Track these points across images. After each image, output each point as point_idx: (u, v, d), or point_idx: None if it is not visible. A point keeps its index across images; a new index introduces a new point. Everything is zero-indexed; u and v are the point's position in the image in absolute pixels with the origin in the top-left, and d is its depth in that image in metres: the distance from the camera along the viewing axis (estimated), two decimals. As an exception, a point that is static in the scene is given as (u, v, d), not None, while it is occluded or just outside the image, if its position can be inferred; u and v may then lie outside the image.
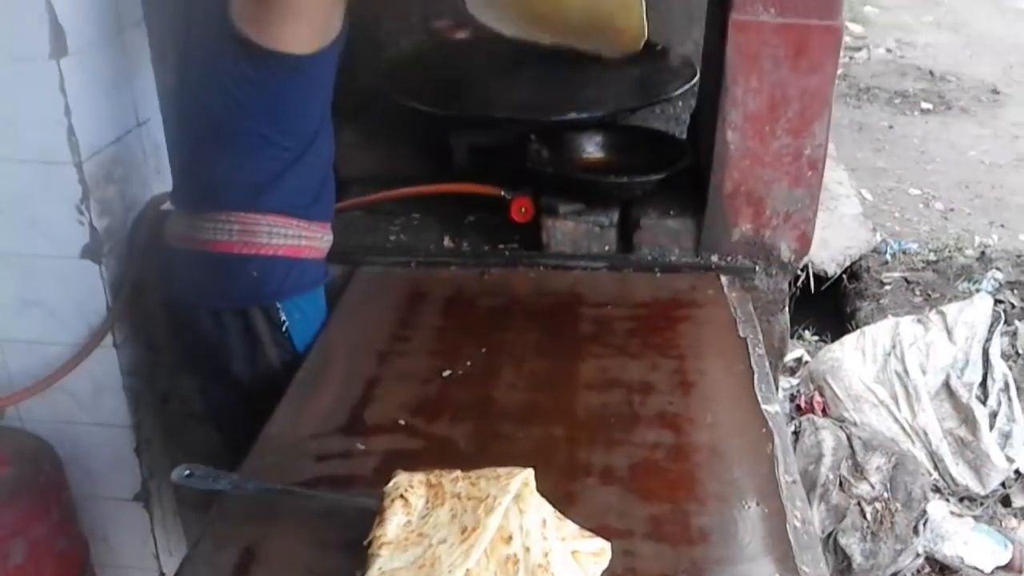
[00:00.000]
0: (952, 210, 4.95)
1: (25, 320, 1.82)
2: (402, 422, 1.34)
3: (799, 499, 1.16)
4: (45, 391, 1.83)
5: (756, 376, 1.41)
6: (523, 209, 1.82)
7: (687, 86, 1.98)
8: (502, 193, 1.86)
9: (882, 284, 4.11)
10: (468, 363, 1.48)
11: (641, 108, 1.99)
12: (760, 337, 1.53)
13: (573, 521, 1.07)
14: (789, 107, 1.62)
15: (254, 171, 1.53)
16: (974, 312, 2.85)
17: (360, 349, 1.54)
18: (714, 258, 1.76)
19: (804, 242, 1.72)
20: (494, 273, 1.77)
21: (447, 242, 1.92)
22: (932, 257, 4.37)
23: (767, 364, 1.46)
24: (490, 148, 2.02)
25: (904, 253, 4.33)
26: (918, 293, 4.26)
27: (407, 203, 1.98)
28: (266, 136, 1.51)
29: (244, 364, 1.60)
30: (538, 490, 1.09)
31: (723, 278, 1.71)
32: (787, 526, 1.12)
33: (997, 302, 3.46)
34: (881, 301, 3.99)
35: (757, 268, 1.74)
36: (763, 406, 1.34)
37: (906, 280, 4.36)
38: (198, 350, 1.67)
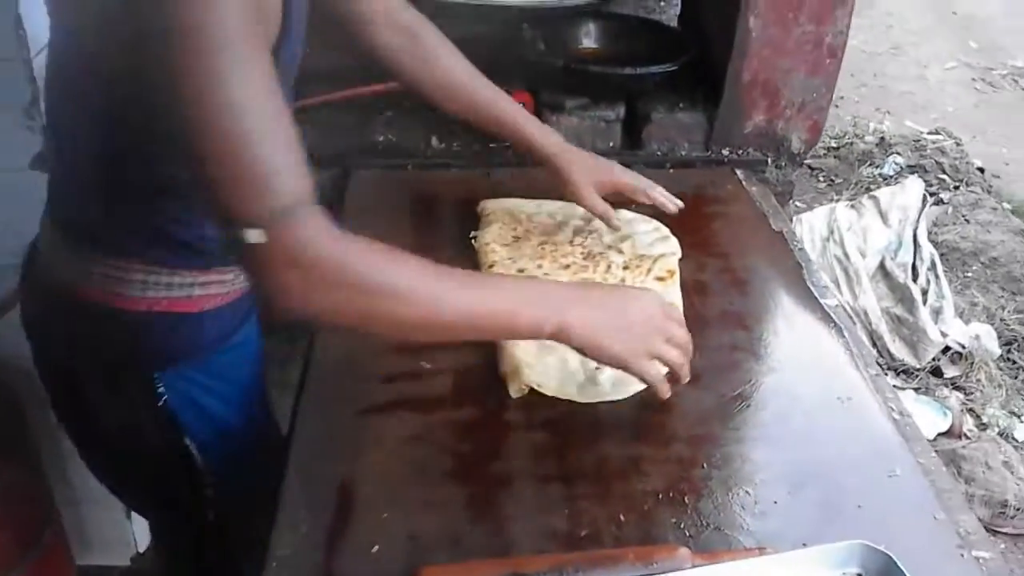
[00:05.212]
0: (842, 98, 5.10)
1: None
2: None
3: (888, 391, 1.16)
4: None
5: (805, 271, 1.40)
6: (523, 105, 1.71)
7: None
8: (497, 87, 1.74)
9: (785, 171, 4.21)
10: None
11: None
12: (794, 230, 1.51)
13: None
14: (814, -8, 1.57)
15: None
16: (906, 196, 2.97)
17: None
18: (725, 152, 1.72)
19: (816, 132, 1.71)
20: (499, 173, 1.68)
21: (435, 142, 1.79)
22: (833, 144, 4.51)
23: (810, 257, 1.45)
24: (476, 37, 1.87)
25: (804, 141, 4.45)
26: (822, 179, 4.42)
27: (388, 100, 1.83)
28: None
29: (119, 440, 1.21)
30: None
31: (739, 172, 1.68)
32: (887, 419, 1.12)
33: (902, 186, 3.61)
34: (785, 188, 4.11)
35: (769, 160, 1.71)
36: (822, 300, 1.33)
37: (809, 167, 4.49)
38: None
